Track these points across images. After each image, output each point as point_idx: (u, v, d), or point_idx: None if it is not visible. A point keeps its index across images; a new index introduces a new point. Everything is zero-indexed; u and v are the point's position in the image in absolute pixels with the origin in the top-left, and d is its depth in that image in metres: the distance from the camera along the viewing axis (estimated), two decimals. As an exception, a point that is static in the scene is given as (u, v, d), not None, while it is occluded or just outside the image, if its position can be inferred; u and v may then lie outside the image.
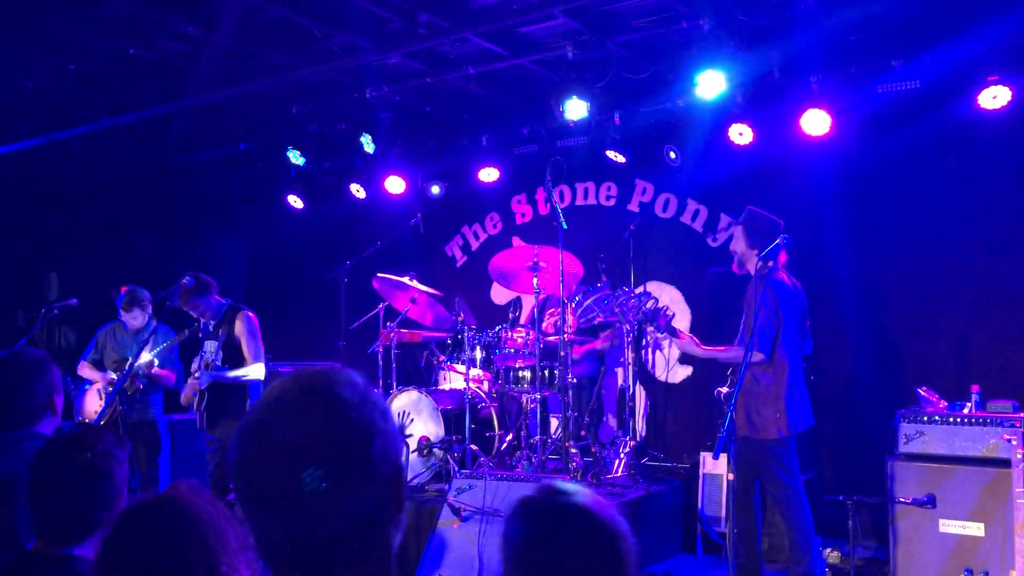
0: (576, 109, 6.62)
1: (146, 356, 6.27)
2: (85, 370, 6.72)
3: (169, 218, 9.93)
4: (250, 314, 5.97)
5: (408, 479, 5.94)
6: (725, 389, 5.37)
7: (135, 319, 6.57)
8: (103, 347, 6.72)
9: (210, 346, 5.95)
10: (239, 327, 5.88)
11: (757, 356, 5.00)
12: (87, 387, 6.78)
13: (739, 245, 5.38)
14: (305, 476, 1.22)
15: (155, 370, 6.34)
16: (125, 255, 9.78)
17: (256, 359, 5.87)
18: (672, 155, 6.96)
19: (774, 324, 5.07)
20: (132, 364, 6.15)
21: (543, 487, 1.67)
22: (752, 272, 5.32)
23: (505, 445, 6.85)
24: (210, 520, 1.71)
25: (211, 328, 5.98)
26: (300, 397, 1.28)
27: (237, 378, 5.82)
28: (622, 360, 7.22)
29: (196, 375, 5.87)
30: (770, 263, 5.10)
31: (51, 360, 3.16)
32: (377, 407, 1.31)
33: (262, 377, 5.98)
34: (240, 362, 5.85)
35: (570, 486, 1.65)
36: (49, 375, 3.07)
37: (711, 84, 6.05)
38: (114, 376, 6.48)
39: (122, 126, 7.86)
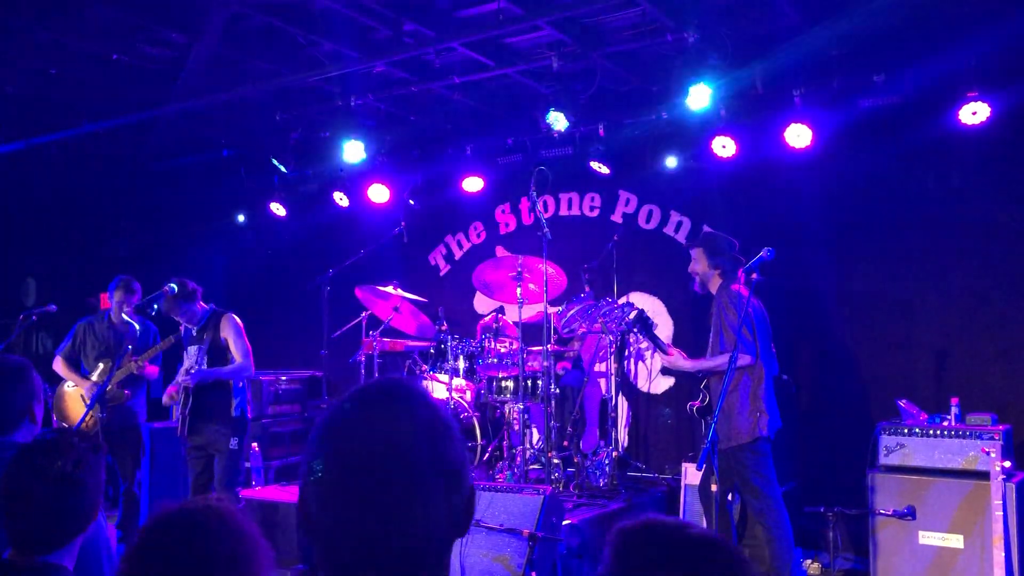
0: (560, 120, 6.64)
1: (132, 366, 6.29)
2: (60, 367, 6.58)
3: (150, 224, 9.86)
4: (234, 316, 5.96)
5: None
6: (697, 403, 5.39)
7: (123, 309, 6.49)
8: (81, 343, 6.61)
9: (193, 351, 5.92)
10: (225, 330, 5.87)
11: (745, 359, 5.01)
12: (59, 387, 6.64)
13: (700, 266, 5.38)
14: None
15: (143, 363, 6.32)
16: (104, 261, 9.70)
17: (246, 357, 5.86)
18: (670, 161, 6.99)
19: (751, 328, 5.10)
20: (114, 369, 6.11)
21: (666, 525, 1.47)
22: (713, 292, 5.35)
23: (487, 455, 6.84)
24: (243, 537, 1.69)
25: (194, 334, 5.95)
26: (404, 402, 1.28)
27: (228, 373, 5.79)
28: (605, 371, 7.24)
29: (186, 371, 5.82)
30: (754, 275, 5.12)
31: (31, 367, 3.12)
32: (452, 425, 1.32)
33: (252, 373, 5.97)
34: (226, 364, 5.85)
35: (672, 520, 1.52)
36: (28, 382, 3.03)
37: (700, 96, 6.09)
38: (96, 380, 6.41)
39: (103, 131, 7.80)
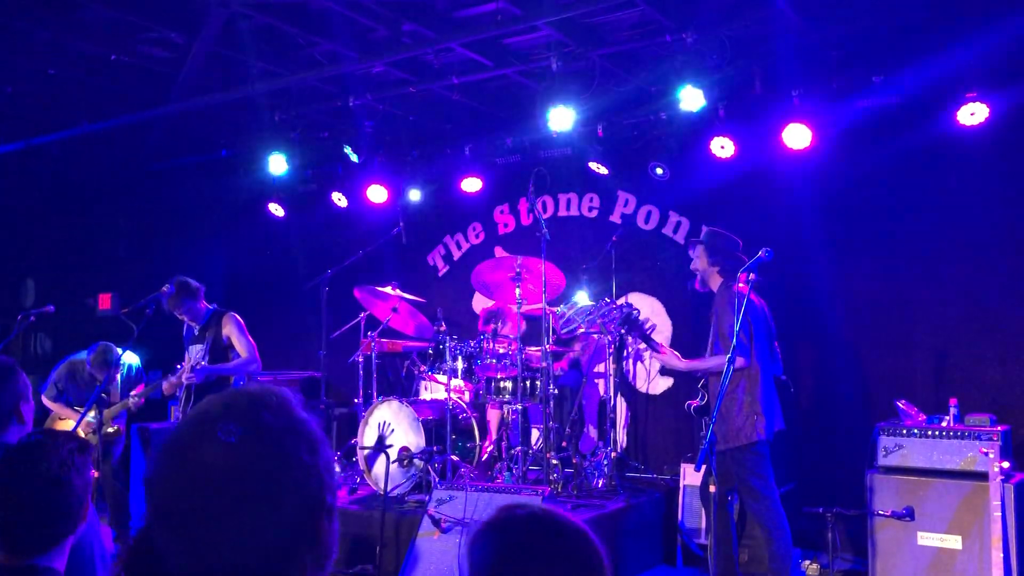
0: (560, 120, 6.64)
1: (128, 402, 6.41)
2: (47, 403, 6.71)
3: (148, 225, 9.86)
4: (236, 315, 6.00)
5: (388, 490, 5.91)
6: (695, 403, 5.39)
7: (101, 374, 6.58)
8: (63, 390, 6.74)
9: (195, 350, 5.93)
10: (227, 328, 5.90)
11: (739, 362, 5.02)
12: (50, 416, 6.78)
13: (700, 264, 5.41)
14: (219, 430, 1.20)
15: (140, 400, 6.45)
16: (103, 262, 9.71)
17: (251, 352, 5.90)
18: (659, 171, 6.99)
19: (747, 330, 5.10)
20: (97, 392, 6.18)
21: (501, 508, 1.62)
22: (714, 290, 5.36)
23: (486, 456, 6.84)
24: None
25: (196, 333, 5.98)
26: (221, 420, 1.23)
27: (233, 369, 5.82)
28: (604, 371, 7.23)
29: (189, 369, 5.85)
30: (752, 276, 5.11)
31: (17, 368, 3.04)
32: (303, 438, 1.26)
33: (259, 368, 6.00)
34: (227, 362, 5.89)
35: (525, 500, 1.62)
36: (14, 383, 2.96)
37: (692, 98, 6.09)
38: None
39: (102, 132, 7.80)
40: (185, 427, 1.26)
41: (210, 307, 6.07)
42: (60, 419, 6.67)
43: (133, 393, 6.47)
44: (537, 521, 1.53)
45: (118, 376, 6.67)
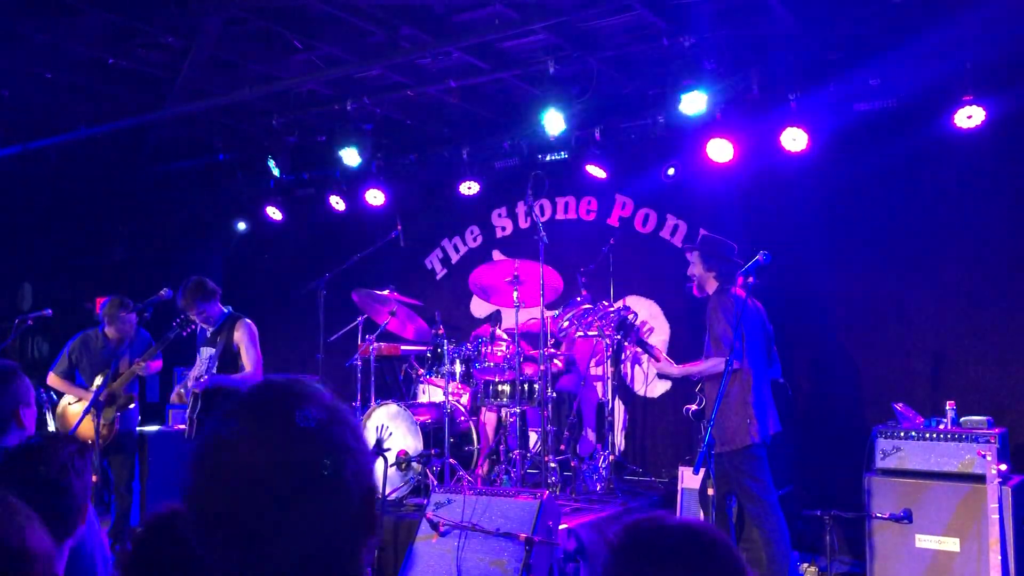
0: (556, 123, 6.65)
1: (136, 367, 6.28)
2: (56, 383, 6.58)
3: (146, 228, 9.85)
4: (250, 322, 5.93)
5: (386, 494, 5.90)
6: (693, 407, 5.39)
7: (120, 329, 6.48)
8: (78, 361, 6.58)
9: (206, 352, 5.89)
10: (239, 335, 5.83)
11: (734, 365, 5.02)
12: (60, 403, 6.68)
13: (696, 269, 5.42)
14: (297, 416, 1.18)
15: (148, 363, 6.31)
16: (101, 265, 9.69)
17: (256, 366, 5.84)
18: (671, 171, 7.01)
19: (740, 334, 5.10)
20: (107, 378, 6.10)
21: (642, 520, 1.54)
22: (711, 294, 5.37)
23: (484, 459, 6.83)
24: None
25: (208, 335, 5.93)
26: (264, 417, 1.20)
27: (237, 382, 5.77)
28: (602, 374, 7.23)
29: (196, 379, 5.81)
30: (749, 279, 5.12)
31: (18, 372, 3.03)
32: (348, 425, 1.24)
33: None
34: (236, 370, 5.82)
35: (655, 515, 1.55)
36: (13, 387, 2.95)
37: (694, 102, 6.11)
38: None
39: (100, 135, 7.79)
40: (225, 429, 1.21)
41: (225, 311, 6.00)
42: (70, 404, 6.57)
43: (138, 359, 6.36)
44: (690, 534, 1.47)
45: (132, 332, 6.54)
